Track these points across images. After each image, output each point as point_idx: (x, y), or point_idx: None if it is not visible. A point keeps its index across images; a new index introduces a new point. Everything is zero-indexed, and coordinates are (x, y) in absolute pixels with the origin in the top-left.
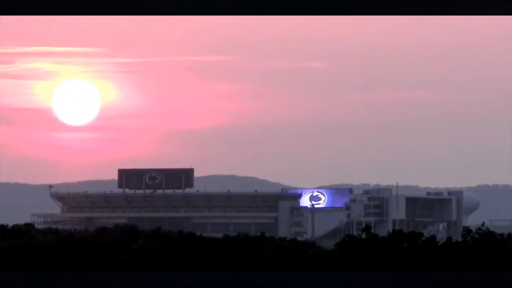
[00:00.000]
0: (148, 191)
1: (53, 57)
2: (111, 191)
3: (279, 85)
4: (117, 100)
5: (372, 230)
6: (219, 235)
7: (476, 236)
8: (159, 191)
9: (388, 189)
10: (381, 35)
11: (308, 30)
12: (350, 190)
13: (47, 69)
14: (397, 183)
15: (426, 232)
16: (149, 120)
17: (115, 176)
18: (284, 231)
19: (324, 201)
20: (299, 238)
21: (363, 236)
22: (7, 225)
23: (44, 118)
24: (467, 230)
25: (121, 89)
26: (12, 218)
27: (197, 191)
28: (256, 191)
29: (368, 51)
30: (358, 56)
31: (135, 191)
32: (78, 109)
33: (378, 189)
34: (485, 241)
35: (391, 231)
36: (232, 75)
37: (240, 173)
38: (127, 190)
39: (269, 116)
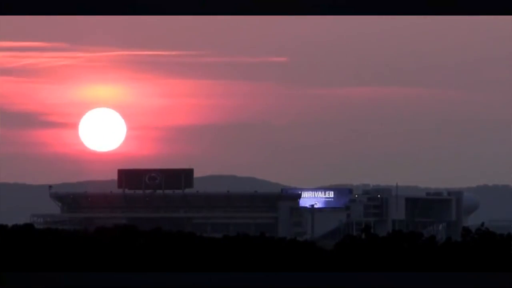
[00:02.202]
0: (147, 191)
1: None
2: (111, 191)
3: (246, 81)
4: (96, 97)
5: (372, 231)
6: (219, 235)
7: (476, 236)
8: (159, 192)
9: (388, 189)
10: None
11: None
12: (350, 190)
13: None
14: (396, 183)
15: (426, 233)
16: (140, 118)
17: (114, 176)
18: (284, 231)
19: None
20: (299, 239)
21: (363, 236)
22: (7, 225)
23: (47, 122)
24: (467, 230)
25: (92, 85)
26: (12, 218)
27: (197, 191)
28: (256, 191)
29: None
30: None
31: (134, 191)
32: (105, 135)
33: (378, 189)
34: (484, 241)
35: (390, 231)
36: (192, 71)
37: (239, 173)
38: (126, 191)
39: (253, 113)
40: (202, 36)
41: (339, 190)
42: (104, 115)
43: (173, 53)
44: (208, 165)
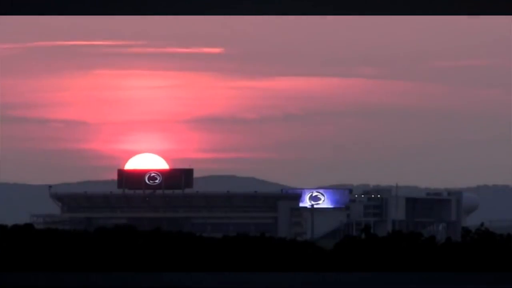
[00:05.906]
0: (147, 191)
1: None
2: (111, 192)
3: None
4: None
5: (372, 231)
6: (219, 235)
7: (476, 236)
8: (159, 192)
9: (388, 189)
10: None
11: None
12: (350, 190)
13: None
14: (396, 184)
15: (426, 233)
16: (131, 115)
17: (114, 176)
18: (283, 231)
19: (323, 201)
20: (298, 239)
21: (363, 236)
22: (6, 225)
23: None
24: (467, 231)
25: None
26: (12, 218)
27: (197, 191)
28: (255, 191)
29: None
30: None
31: (134, 192)
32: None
33: (378, 190)
34: (484, 241)
35: (390, 231)
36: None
37: (239, 173)
38: (126, 191)
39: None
40: (137, 26)
41: (339, 190)
42: (148, 159)
43: (108, 43)
44: (208, 166)
